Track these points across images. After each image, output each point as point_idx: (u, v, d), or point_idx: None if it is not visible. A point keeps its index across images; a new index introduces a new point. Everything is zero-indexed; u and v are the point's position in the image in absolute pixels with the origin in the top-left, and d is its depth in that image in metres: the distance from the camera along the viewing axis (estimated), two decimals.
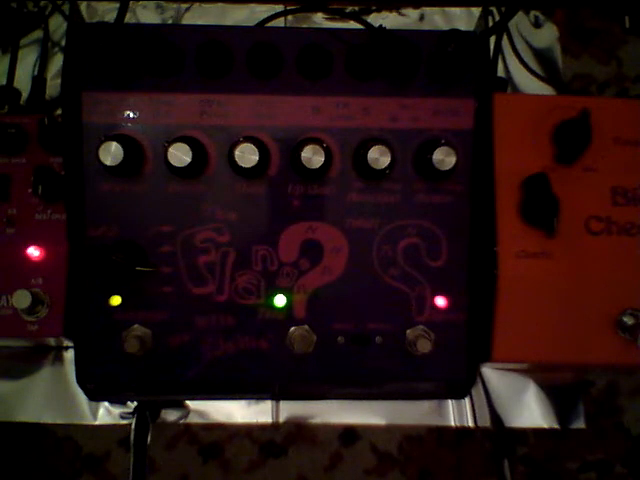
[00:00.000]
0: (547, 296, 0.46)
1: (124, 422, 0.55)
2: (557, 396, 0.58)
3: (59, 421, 0.56)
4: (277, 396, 0.56)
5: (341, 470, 0.58)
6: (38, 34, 0.62)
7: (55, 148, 0.48)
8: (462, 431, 0.58)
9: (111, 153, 0.42)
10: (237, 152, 0.43)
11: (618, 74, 0.66)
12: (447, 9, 0.67)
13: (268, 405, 0.57)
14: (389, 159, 0.43)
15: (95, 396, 0.49)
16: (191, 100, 0.45)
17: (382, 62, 0.45)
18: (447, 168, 0.44)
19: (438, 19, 0.67)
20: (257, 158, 0.43)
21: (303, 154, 0.43)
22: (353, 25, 0.55)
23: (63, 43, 0.62)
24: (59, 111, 0.53)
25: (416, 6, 0.67)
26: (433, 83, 0.46)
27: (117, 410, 0.56)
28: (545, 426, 0.57)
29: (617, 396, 0.60)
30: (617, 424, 0.60)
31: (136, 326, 0.45)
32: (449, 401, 0.58)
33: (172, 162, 0.43)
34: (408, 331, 0.46)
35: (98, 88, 0.45)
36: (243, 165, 0.43)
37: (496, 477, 0.58)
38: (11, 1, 0.62)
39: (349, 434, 0.58)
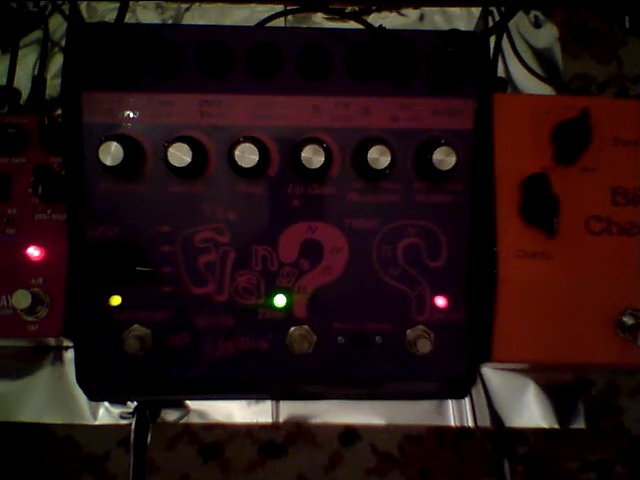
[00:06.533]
0: (547, 296, 0.46)
1: (124, 422, 0.55)
2: (557, 396, 0.58)
3: (59, 421, 0.56)
4: (277, 396, 0.56)
5: (341, 470, 0.58)
6: (38, 34, 0.62)
7: (55, 148, 0.49)
8: (462, 431, 0.58)
9: (111, 153, 0.42)
10: (237, 152, 0.43)
11: (618, 74, 0.66)
12: (447, 9, 0.67)
13: (268, 405, 0.57)
14: (389, 159, 0.43)
15: (95, 396, 0.49)
16: (191, 100, 0.45)
17: (382, 62, 0.45)
18: (447, 168, 0.44)
19: (438, 19, 0.67)
20: (257, 158, 0.43)
21: (303, 154, 0.43)
22: (353, 25, 0.55)
23: (63, 43, 0.62)
24: (59, 111, 0.53)
25: (416, 6, 0.67)
26: (433, 83, 0.46)
27: (117, 410, 0.56)
28: (545, 426, 0.58)
29: (617, 396, 0.60)
30: (617, 424, 0.59)
31: (136, 326, 0.45)
32: (449, 401, 0.58)
33: (172, 162, 0.43)
34: (408, 331, 0.46)
35: (98, 88, 0.45)
36: (243, 165, 0.43)
37: (496, 477, 0.58)
38: (11, 1, 0.62)
39: (349, 434, 0.58)
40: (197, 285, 0.46)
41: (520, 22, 0.66)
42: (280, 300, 0.46)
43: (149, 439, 0.49)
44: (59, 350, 0.57)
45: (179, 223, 0.45)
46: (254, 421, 0.57)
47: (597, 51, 0.67)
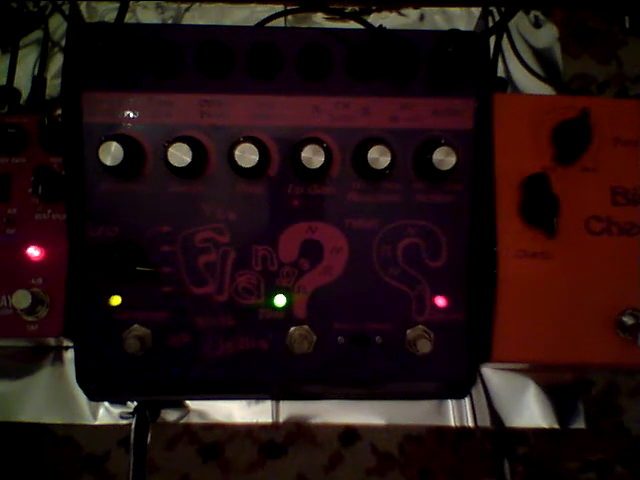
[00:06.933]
0: (547, 296, 0.46)
1: (124, 422, 0.55)
2: (557, 396, 0.58)
3: (59, 421, 0.56)
4: (277, 396, 0.56)
5: (341, 470, 0.58)
6: (38, 34, 0.62)
7: (55, 148, 0.49)
8: (462, 431, 0.58)
9: (111, 153, 0.42)
10: (237, 152, 0.43)
11: (618, 74, 0.66)
12: (447, 9, 0.67)
13: (268, 405, 0.57)
14: (389, 159, 0.43)
15: (95, 396, 0.49)
16: (191, 100, 0.45)
17: (382, 62, 0.45)
18: (447, 168, 0.44)
19: (438, 19, 0.67)
20: (257, 158, 0.43)
21: (303, 154, 0.43)
22: (353, 25, 0.55)
23: (63, 43, 0.62)
24: (59, 111, 0.53)
25: (416, 6, 0.67)
26: (433, 83, 0.46)
27: (117, 410, 0.56)
28: (545, 426, 0.57)
29: (617, 396, 0.60)
30: (617, 424, 0.59)
31: (136, 326, 0.45)
32: (449, 401, 0.58)
33: (172, 162, 0.43)
34: (408, 331, 0.46)
35: (98, 88, 0.45)
36: (243, 165, 0.43)
37: (496, 477, 0.58)
38: (11, 1, 0.62)
39: (349, 434, 0.58)
40: (197, 285, 0.46)
41: (520, 22, 0.66)
42: (280, 300, 0.46)
43: (149, 439, 0.49)
44: (59, 350, 0.57)
45: (179, 223, 0.45)
46: (254, 421, 0.57)
47: (597, 51, 0.67)
